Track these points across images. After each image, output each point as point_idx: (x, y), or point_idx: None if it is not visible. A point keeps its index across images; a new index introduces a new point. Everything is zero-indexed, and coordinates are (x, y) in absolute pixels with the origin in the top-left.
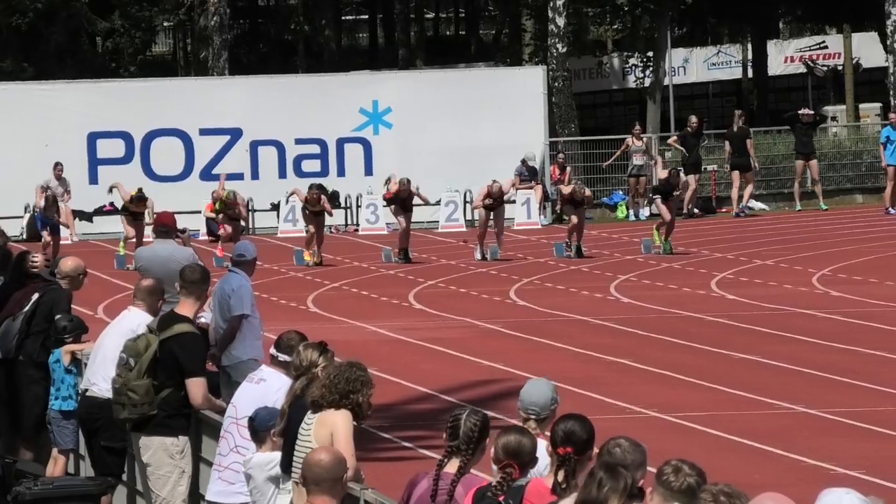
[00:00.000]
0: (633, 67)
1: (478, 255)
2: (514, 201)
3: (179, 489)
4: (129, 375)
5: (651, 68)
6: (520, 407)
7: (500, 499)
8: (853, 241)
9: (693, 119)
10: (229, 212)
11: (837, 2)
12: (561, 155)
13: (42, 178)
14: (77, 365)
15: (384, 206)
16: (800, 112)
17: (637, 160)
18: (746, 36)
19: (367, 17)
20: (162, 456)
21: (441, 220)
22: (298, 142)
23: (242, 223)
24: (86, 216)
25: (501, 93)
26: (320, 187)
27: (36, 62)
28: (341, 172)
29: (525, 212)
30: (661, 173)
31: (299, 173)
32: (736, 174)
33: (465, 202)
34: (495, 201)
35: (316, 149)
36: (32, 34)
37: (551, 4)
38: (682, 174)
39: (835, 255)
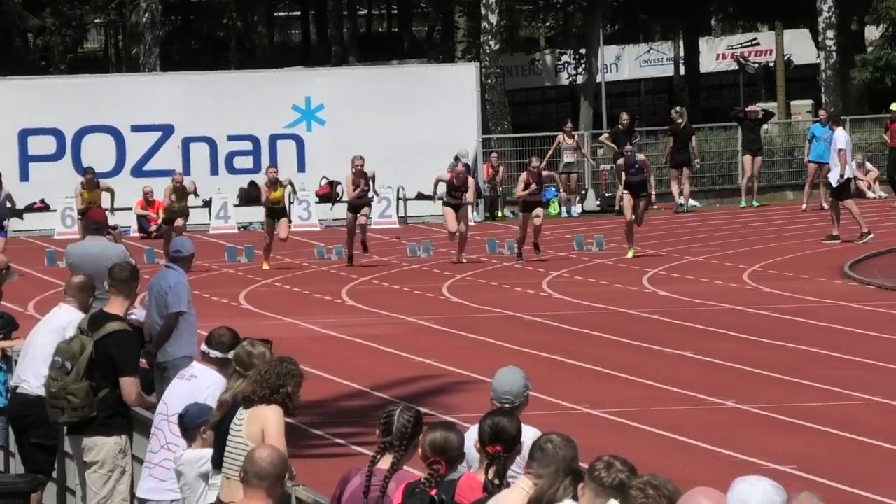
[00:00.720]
0: (566, 65)
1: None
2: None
3: (120, 487)
4: (66, 379)
5: (583, 65)
6: (493, 397)
7: (433, 493)
8: (784, 237)
9: (625, 116)
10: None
11: None
12: (494, 154)
13: None
14: (7, 362)
15: (317, 203)
16: (747, 108)
17: (568, 157)
18: (678, 33)
19: (299, 13)
20: (106, 455)
21: (374, 216)
22: (231, 138)
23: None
24: (16, 213)
25: (434, 90)
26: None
27: None
28: None
29: None
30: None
31: (231, 170)
32: (675, 172)
33: (398, 199)
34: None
35: (248, 145)
36: None
37: (484, 1)
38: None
39: (765, 252)
